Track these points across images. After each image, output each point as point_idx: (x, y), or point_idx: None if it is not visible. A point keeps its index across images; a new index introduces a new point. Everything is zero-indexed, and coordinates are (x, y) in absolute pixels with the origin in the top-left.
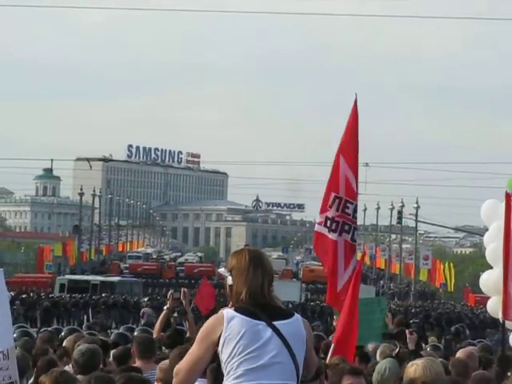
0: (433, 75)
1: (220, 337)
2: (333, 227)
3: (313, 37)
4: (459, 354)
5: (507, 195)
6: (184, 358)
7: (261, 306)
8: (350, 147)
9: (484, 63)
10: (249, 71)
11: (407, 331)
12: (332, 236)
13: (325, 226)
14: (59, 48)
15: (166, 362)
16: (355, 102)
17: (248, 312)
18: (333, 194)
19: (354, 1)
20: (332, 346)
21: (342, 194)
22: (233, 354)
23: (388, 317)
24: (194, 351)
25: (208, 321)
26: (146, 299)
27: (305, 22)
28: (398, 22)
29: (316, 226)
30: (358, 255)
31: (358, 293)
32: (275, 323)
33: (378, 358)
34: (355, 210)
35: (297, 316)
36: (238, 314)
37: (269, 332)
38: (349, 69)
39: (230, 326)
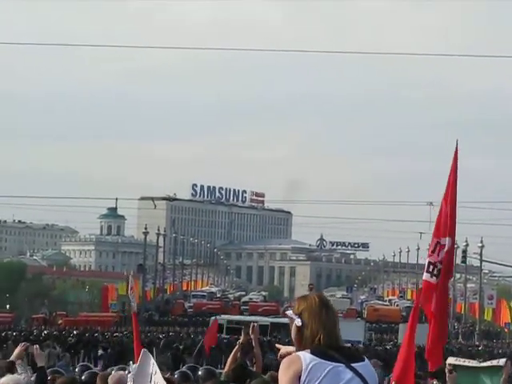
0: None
1: (300, 378)
2: (435, 272)
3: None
4: None
5: None
6: None
7: (336, 348)
8: (447, 193)
9: None
10: (312, 109)
11: (446, 369)
12: (433, 280)
13: (427, 271)
14: (123, 86)
15: None
16: (456, 148)
17: (326, 354)
18: (435, 240)
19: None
20: None
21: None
22: None
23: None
24: None
25: (285, 363)
26: None
27: (373, 61)
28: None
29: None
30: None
31: (415, 331)
32: (354, 365)
33: None
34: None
35: (367, 360)
36: (316, 358)
37: (349, 374)
38: (420, 104)
39: (309, 369)
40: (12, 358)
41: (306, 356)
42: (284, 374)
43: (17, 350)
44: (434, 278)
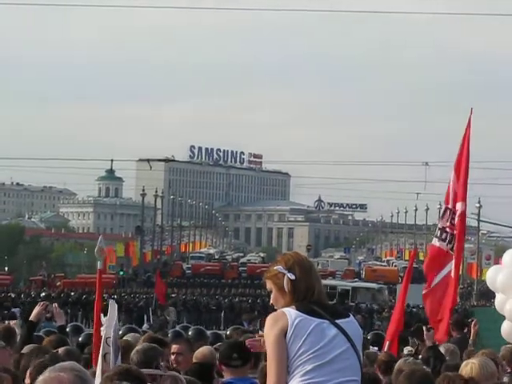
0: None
1: (286, 334)
2: (442, 236)
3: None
4: None
5: None
6: (269, 374)
7: (321, 305)
8: (459, 162)
9: None
10: (310, 72)
11: (424, 328)
12: (440, 244)
13: (436, 236)
14: (122, 48)
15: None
16: (470, 118)
17: (311, 310)
18: (444, 206)
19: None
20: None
21: (451, 206)
22: (300, 352)
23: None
24: (275, 357)
25: (271, 320)
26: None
27: (366, 22)
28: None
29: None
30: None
31: (407, 289)
32: (338, 321)
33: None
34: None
35: (352, 316)
36: (301, 313)
37: (334, 330)
38: (409, 67)
39: (294, 325)
40: (31, 317)
41: (291, 312)
42: (271, 330)
43: (36, 310)
44: (441, 241)
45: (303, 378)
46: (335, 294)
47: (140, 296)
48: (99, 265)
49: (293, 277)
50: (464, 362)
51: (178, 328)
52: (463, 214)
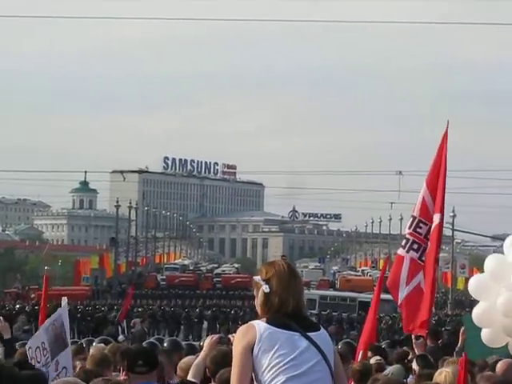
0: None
1: (253, 348)
2: (402, 243)
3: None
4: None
5: None
6: (233, 377)
7: (295, 317)
8: (433, 173)
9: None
10: (284, 82)
11: (413, 336)
12: (400, 252)
13: (402, 246)
14: (96, 60)
15: (186, 360)
16: (446, 130)
17: (281, 323)
18: (414, 216)
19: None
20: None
21: (416, 213)
22: (272, 364)
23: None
24: (238, 367)
25: (240, 333)
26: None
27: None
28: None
29: None
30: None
31: (379, 298)
32: (309, 334)
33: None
34: (428, 232)
35: (323, 329)
36: (272, 327)
37: (305, 342)
38: (385, 76)
39: (263, 338)
40: None
41: (260, 325)
42: (239, 343)
43: None
44: (401, 249)
45: None
46: (355, 307)
47: (115, 308)
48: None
49: (267, 290)
50: (438, 371)
51: (152, 340)
52: (439, 226)
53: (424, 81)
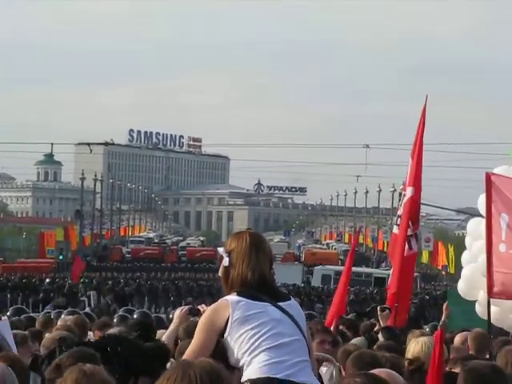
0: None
1: (227, 323)
2: (396, 222)
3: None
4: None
5: (487, 175)
6: (188, 350)
7: (264, 289)
8: (414, 148)
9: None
10: (249, 55)
11: (378, 308)
12: (394, 229)
13: (395, 223)
14: (61, 33)
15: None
16: (425, 105)
17: (252, 295)
18: (401, 192)
19: None
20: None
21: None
22: (249, 336)
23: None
24: (197, 341)
25: (211, 309)
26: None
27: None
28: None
29: None
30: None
31: (350, 271)
32: (280, 304)
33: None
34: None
35: (293, 299)
36: (243, 298)
37: (278, 312)
38: (353, 51)
39: (237, 311)
40: None
41: (232, 299)
42: (206, 317)
43: None
44: (395, 226)
45: (265, 357)
46: (371, 282)
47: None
48: None
49: (226, 263)
50: (413, 341)
51: (121, 312)
52: (411, 200)
53: (388, 55)
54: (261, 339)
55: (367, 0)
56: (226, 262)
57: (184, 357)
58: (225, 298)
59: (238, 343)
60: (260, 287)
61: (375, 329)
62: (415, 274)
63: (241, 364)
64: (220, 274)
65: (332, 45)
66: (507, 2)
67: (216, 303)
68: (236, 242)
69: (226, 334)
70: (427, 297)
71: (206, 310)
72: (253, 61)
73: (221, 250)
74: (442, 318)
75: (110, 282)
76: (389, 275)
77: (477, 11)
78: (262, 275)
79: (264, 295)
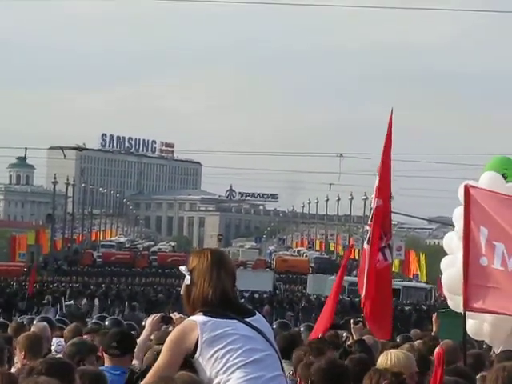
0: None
1: (197, 344)
2: (366, 237)
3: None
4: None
5: (465, 188)
6: (152, 370)
7: (227, 306)
8: (382, 156)
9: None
10: (224, 61)
11: (351, 321)
12: (365, 246)
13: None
14: (37, 35)
15: None
16: (390, 118)
17: (219, 313)
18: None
19: None
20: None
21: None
22: (221, 354)
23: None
24: (164, 359)
25: (178, 329)
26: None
27: (295, 10)
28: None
29: None
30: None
31: (341, 282)
32: (248, 320)
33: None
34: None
35: (258, 314)
36: (211, 318)
37: (247, 329)
38: (332, 57)
39: (206, 331)
40: None
41: (199, 319)
42: (173, 341)
43: None
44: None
45: (241, 374)
46: (345, 289)
47: (50, 285)
48: None
49: (188, 282)
50: (383, 353)
51: (95, 319)
52: (381, 211)
53: (361, 62)
54: (234, 356)
55: (340, 8)
56: (187, 280)
57: (151, 373)
58: (192, 318)
59: (211, 363)
60: (222, 305)
61: (348, 342)
62: (399, 287)
63: (215, 383)
64: (182, 292)
65: (308, 50)
66: (479, 13)
67: (183, 324)
68: (197, 260)
69: (196, 355)
70: (398, 307)
71: (174, 330)
72: (227, 67)
73: (183, 268)
74: (434, 329)
75: (79, 286)
76: (405, 287)
77: (449, 21)
78: (224, 293)
79: (230, 312)
